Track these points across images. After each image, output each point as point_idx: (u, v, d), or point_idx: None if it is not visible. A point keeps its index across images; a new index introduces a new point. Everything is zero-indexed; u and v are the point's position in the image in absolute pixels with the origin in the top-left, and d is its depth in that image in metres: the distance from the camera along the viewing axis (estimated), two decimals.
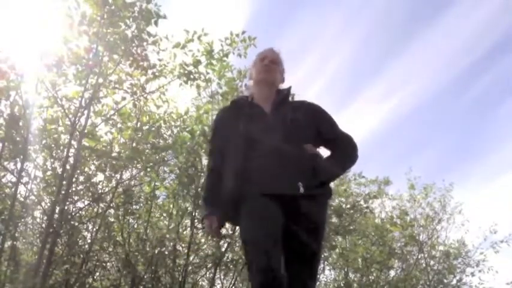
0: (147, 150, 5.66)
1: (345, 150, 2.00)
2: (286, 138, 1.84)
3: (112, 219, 6.07)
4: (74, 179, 5.12)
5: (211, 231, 1.90)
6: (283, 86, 2.11)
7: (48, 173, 5.38)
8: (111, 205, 5.71)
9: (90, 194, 5.46)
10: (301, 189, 1.75)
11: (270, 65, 2.03)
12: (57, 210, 4.77)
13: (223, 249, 6.48)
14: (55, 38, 4.83)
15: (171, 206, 6.77)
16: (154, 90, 5.70)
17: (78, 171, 5.34)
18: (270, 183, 1.75)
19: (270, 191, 1.72)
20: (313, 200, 1.80)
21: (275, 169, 1.77)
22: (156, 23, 5.00)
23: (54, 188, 5.05)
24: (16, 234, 5.65)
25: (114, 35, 4.96)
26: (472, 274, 11.70)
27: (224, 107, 2.20)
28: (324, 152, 2.02)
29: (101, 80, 5.15)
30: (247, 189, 1.75)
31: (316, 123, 1.97)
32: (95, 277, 6.37)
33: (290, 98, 2.11)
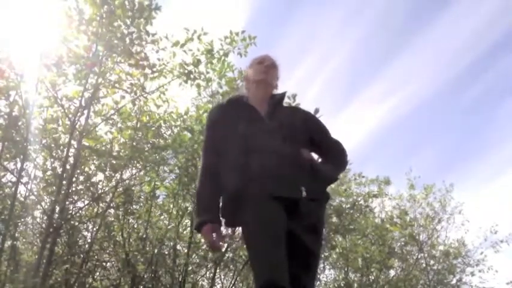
0: (146, 150, 5.65)
1: (337, 157, 2.04)
2: (284, 142, 1.85)
3: (112, 219, 6.06)
4: (74, 179, 5.11)
5: (213, 242, 1.72)
6: (276, 91, 2.14)
7: (48, 172, 5.38)
8: (111, 205, 5.70)
9: (90, 193, 5.45)
10: (304, 193, 1.77)
11: (270, 67, 2.07)
12: (57, 210, 4.77)
13: (223, 249, 6.48)
14: (55, 37, 4.83)
15: (171, 205, 6.76)
16: (154, 90, 5.70)
17: (78, 171, 5.34)
18: (273, 185, 1.74)
19: (274, 193, 1.71)
20: (313, 203, 1.81)
21: (277, 171, 1.77)
22: (150, 16, 4.99)
23: (54, 187, 5.04)
24: (16, 234, 5.65)
25: (112, 33, 4.95)
26: (472, 274, 11.71)
27: (220, 104, 2.11)
28: (316, 157, 2.05)
29: (100, 80, 5.15)
30: (250, 190, 1.72)
31: (309, 130, 2.01)
32: (95, 277, 6.37)
33: (284, 103, 2.14)
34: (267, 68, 2.05)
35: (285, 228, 1.66)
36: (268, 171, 1.76)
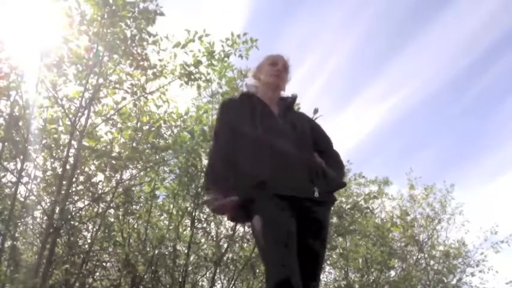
0: (147, 150, 5.65)
1: (337, 167, 2.06)
2: (296, 144, 1.87)
3: (112, 219, 6.06)
4: (74, 179, 5.11)
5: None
6: (285, 93, 2.16)
7: (48, 173, 5.37)
8: (111, 205, 5.70)
9: (90, 194, 5.45)
10: (316, 194, 1.79)
11: (282, 71, 2.09)
12: (57, 210, 4.77)
13: (223, 249, 6.48)
14: (55, 38, 4.82)
15: (171, 206, 6.75)
16: (154, 90, 5.69)
17: (78, 171, 5.33)
18: (286, 185, 1.75)
19: (286, 192, 1.72)
20: (322, 206, 1.83)
21: (290, 171, 1.79)
22: (153, 21, 4.98)
23: (54, 187, 5.04)
24: (16, 234, 5.64)
25: (114, 35, 4.94)
26: (472, 274, 11.72)
27: (233, 97, 2.13)
28: None
29: (101, 80, 5.15)
30: (261, 188, 1.72)
31: (314, 137, 2.05)
32: (95, 277, 6.37)
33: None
34: (279, 72, 2.07)
35: (295, 228, 1.68)
36: (281, 170, 1.77)
